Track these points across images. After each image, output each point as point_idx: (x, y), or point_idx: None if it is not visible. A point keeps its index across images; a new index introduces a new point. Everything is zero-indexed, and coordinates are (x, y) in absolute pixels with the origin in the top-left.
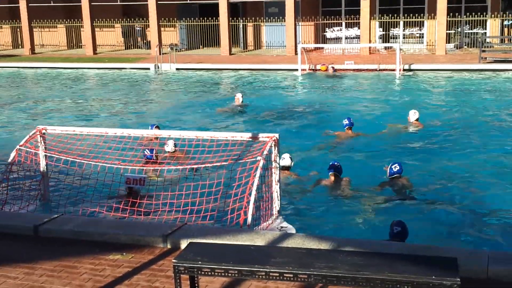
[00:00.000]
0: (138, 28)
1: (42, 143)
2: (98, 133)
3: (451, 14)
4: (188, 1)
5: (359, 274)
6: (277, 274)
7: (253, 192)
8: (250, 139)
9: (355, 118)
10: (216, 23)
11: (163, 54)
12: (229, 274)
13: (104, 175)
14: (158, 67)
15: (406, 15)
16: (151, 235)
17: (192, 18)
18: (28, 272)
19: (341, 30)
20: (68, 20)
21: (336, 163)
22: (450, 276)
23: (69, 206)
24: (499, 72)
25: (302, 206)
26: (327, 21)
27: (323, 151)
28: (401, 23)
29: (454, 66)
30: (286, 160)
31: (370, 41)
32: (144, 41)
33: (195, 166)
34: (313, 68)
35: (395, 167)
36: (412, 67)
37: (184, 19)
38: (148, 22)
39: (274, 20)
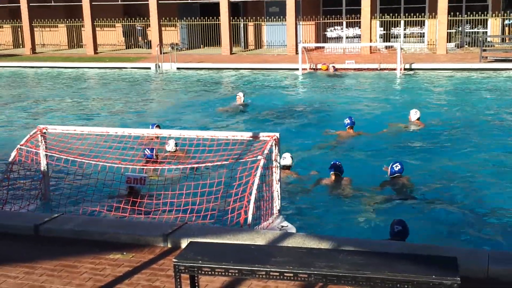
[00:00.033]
0: (139, 28)
1: (43, 143)
2: (99, 133)
3: (452, 13)
4: (189, 1)
5: (359, 274)
6: (278, 274)
7: (254, 192)
8: (251, 138)
9: (355, 118)
10: (217, 22)
11: (164, 53)
12: (230, 274)
13: (105, 175)
14: (159, 67)
15: (407, 14)
16: (152, 234)
17: (193, 18)
18: (28, 271)
19: (342, 29)
20: (69, 19)
21: (337, 163)
22: (450, 275)
23: (70, 205)
24: (500, 71)
25: (302, 205)
26: (328, 21)
27: (324, 150)
28: (402, 22)
29: (455, 65)
30: (287, 159)
31: (371, 41)
32: (145, 40)
33: (195, 166)
34: (314, 67)
35: (396, 166)
36: (413, 66)
37: (185, 18)
38: (149, 21)
39: (275, 19)
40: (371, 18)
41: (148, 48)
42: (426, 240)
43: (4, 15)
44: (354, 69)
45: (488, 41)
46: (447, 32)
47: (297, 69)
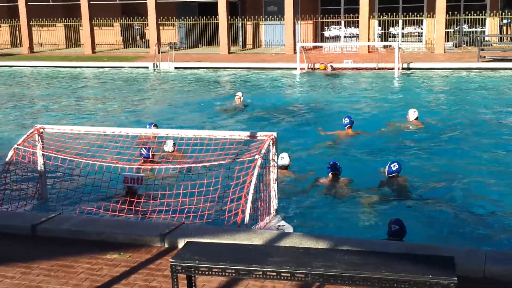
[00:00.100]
0: (137, 27)
1: (40, 142)
2: (96, 132)
3: (450, 12)
4: (187, 0)
5: (356, 273)
6: (275, 273)
7: (251, 191)
8: (248, 138)
9: (353, 117)
10: (215, 21)
11: (162, 53)
12: (226, 274)
13: (102, 174)
14: (157, 66)
15: (405, 13)
16: (149, 234)
17: (191, 17)
18: (25, 271)
19: (340, 29)
20: (67, 19)
21: (335, 162)
22: (447, 275)
23: (67, 205)
24: (498, 70)
25: (300, 205)
26: (326, 20)
27: (323, 150)
28: (400, 21)
29: (453, 64)
30: (285, 159)
31: (369, 40)
32: (143, 40)
33: (193, 165)
34: (312, 66)
35: (394, 166)
36: (411, 65)
37: (183, 17)
38: (147, 20)
39: (273, 18)
40: (369, 18)
41: (146, 48)
42: (423, 240)
43: (2, 14)
44: (352, 68)
45: (486, 41)
46: (445, 32)
47: (295, 68)
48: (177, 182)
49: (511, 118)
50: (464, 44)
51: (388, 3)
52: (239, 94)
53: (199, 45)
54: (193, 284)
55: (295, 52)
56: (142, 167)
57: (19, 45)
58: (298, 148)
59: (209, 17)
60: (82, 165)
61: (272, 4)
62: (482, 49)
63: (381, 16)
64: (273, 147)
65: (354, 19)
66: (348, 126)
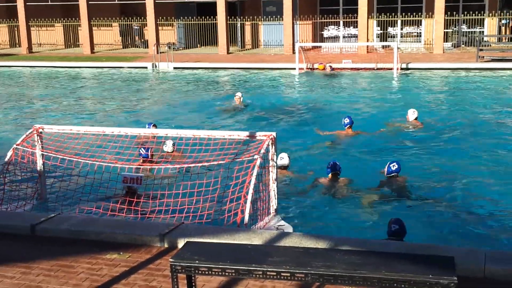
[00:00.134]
0: (136, 27)
1: (39, 142)
2: (95, 132)
3: (448, 13)
4: (186, 0)
5: (356, 273)
6: (274, 273)
7: (250, 191)
8: (248, 138)
9: (353, 117)
10: (214, 22)
11: (160, 53)
12: (226, 273)
13: (101, 174)
14: (156, 66)
15: (403, 14)
16: (148, 234)
17: (190, 17)
18: (25, 271)
19: (339, 29)
20: (66, 19)
21: (335, 162)
22: (447, 275)
23: (66, 205)
24: (497, 70)
25: (299, 205)
26: (325, 20)
27: (322, 150)
28: (399, 22)
29: (452, 65)
30: (284, 159)
31: (367, 40)
32: (142, 40)
33: (192, 165)
34: (311, 67)
35: (393, 165)
36: (410, 66)
37: (182, 18)
38: (146, 21)
39: (272, 19)
40: (368, 18)
41: (145, 48)
42: (423, 240)
43: (0, 14)
44: (351, 68)
45: (485, 41)
46: (444, 32)
47: (294, 68)
48: (177, 182)
49: (510, 118)
50: (463, 44)
51: (386, 3)
52: (239, 94)
53: (198, 45)
54: (193, 284)
55: (294, 52)
56: (142, 167)
57: (17, 45)
58: (297, 148)
59: (207, 17)
60: (82, 165)
61: (271, 4)
62: (481, 49)
63: (380, 16)
64: (272, 147)
65: (353, 19)
66: (348, 126)
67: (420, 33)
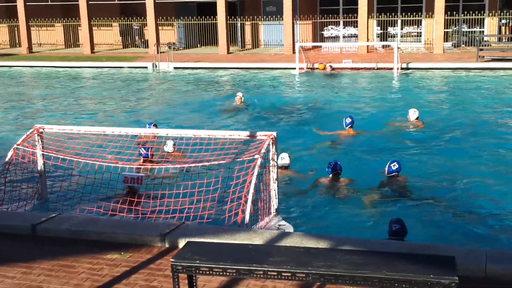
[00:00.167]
0: (136, 27)
1: (40, 142)
2: (96, 132)
3: (448, 12)
4: (186, 0)
5: (357, 273)
6: (275, 273)
7: (251, 191)
8: (248, 138)
9: (353, 117)
10: (214, 21)
11: (161, 53)
12: (227, 273)
13: (102, 174)
14: (156, 66)
15: (404, 13)
16: (149, 234)
17: (190, 17)
18: (26, 271)
19: (339, 29)
20: (66, 19)
21: (336, 162)
22: (448, 274)
23: (67, 205)
24: (497, 70)
25: (300, 205)
26: (325, 20)
27: (323, 150)
28: (399, 21)
29: (452, 64)
30: (285, 159)
31: (368, 40)
32: (142, 40)
33: (193, 165)
34: (311, 66)
35: (394, 165)
36: (410, 65)
37: (182, 17)
38: (146, 20)
39: (272, 18)
40: (368, 18)
41: (145, 48)
42: (424, 240)
43: (0, 14)
44: (351, 68)
45: (485, 41)
46: (444, 32)
47: (294, 68)
48: (177, 182)
49: (510, 118)
50: (463, 44)
51: (387, 3)
52: (240, 94)
53: (198, 45)
54: (194, 284)
55: (294, 52)
56: (142, 167)
57: (18, 45)
58: (298, 148)
59: (208, 17)
60: (82, 165)
61: (271, 4)
62: (481, 49)
63: (380, 16)
64: (272, 146)
65: (353, 19)
66: (349, 125)
67: (420, 33)
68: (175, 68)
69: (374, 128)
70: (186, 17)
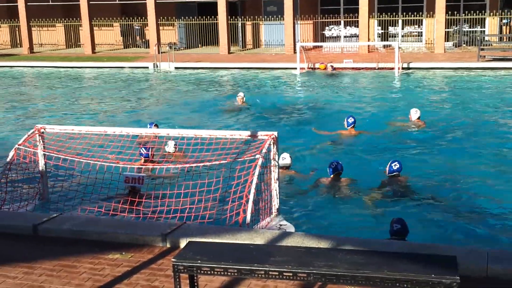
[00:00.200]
0: (137, 27)
1: (41, 142)
2: (97, 132)
3: (449, 12)
4: (187, 0)
5: (359, 273)
6: (277, 273)
7: (252, 191)
8: (249, 137)
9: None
10: (215, 21)
11: (162, 53)
12: (229, 273)
13: (103, 174)
14: (157, 66)
15: (404, 13)
16: (150, 234)
17: (191, 17)
18: (27, 271)
19: (340, 29)
20: (67, 19)
21: (337, 162)
22: (449, 274)
23: (68, 205)
24: (498, 70)
25: (301, 204)
26: (326, 20)
27: (325, 150)
28: (400, 21)
29: (453, 64)
30: (286, 159)
31: (369, 40)
32: (143, 40)
33: (194, 165)
34: (312, 66)
35: (395, 165)
36: (411, 65)
37: (182, 17)
38: (147, 21)
39: (272, 18)
40: (369, 17)
41: (146, 48)
42: (425, 239)
43: (1, 14)
44: (352, 68)
45: (486, 40)
46: (445, 31)
47: (295, 68)
48: (179, 182)
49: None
50: (464, 43)
51: (387, 3)
52: (241, 94)
53: (199, 45)
54: (196, 283)
55: (295, 52)
56: (143, 167)
57: (19, 46)
58: (299, 148)
59: (208, 17)
60: (83, 165)
61: (272, 4)
62: (482, 49)
63: (381, 16)
64: (273, 146)
65: (354, 19)
66: (351, 125)
67: (421, 32)
68: (176, 68)
69: (375, 128)
70: (187, 17)
